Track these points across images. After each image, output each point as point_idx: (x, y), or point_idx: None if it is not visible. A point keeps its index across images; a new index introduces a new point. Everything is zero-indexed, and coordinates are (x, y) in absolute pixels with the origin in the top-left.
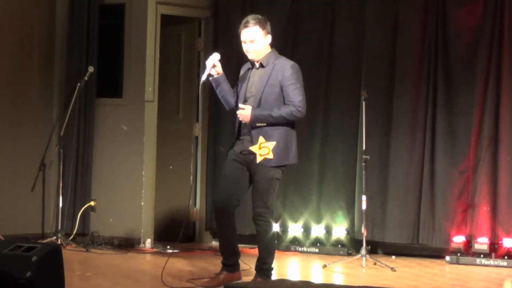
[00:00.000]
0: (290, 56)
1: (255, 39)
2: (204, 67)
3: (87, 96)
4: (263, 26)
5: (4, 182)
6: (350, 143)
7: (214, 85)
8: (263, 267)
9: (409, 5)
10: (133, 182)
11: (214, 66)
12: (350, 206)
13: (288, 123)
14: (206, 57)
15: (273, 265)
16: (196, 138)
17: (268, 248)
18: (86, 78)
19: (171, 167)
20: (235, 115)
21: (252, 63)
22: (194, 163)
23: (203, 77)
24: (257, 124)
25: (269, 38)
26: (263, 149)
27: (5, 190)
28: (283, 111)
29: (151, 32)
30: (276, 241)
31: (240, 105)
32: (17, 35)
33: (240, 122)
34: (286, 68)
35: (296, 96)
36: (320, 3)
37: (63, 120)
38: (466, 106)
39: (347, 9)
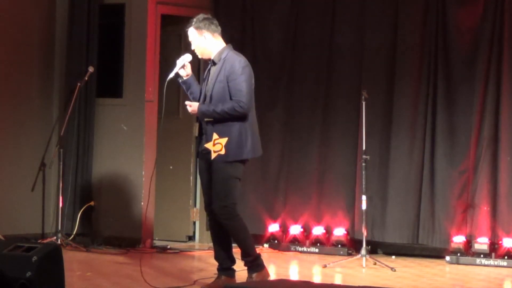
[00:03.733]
0: (291, 56)
1: (192, 40)
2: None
3: (87, 96)
4: (197, 26)
5: (4, 182)
6: (350, 143)
7: (184, 87)
8: (249, 259)
9: (409, 5)
10: (133, 182)
11: (184, 66)
12: (350, 206)
13: (239, 118)
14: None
15: (257, 252)
16: (196, 138)
17: (244, 239)
18: (86, 78)
19: (171, 167)
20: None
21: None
22: (194, 163)
23: (170, 75)
24: (206, 120)
25: (206, 36)
26: (217, 145)
27: (5, 190)
28: (226, 107)
29: (151, 32)
30: (247, 229)
31: (186, 102)
32: (17, 35)
33: (200, 122)
34: (233, 64)
35: (238, 92)
36: (320, 3)
37: (63, 120)
38: (466, 106)
39: (347, 9)
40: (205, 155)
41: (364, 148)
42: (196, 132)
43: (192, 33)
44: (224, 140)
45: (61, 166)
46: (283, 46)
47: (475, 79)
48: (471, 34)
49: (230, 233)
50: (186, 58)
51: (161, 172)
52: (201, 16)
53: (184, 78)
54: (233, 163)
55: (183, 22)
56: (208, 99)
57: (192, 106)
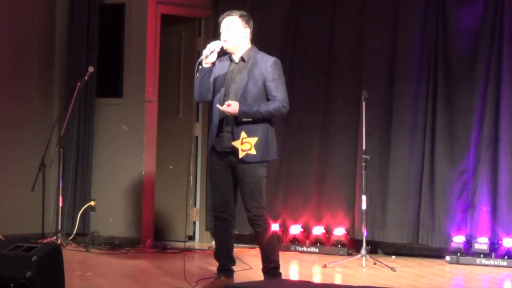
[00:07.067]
0: (291, 56)
1: (230, 26)
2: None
3: (87, 96)
4: (243, 18)
5: (4, 182)
6: (350, 143)
7: (202, 74)
8: (271, 266)
9: (409, 5)
10: (133, 182)
11: (213, 51)
12: (350, 206)
13: (269, 119)
14: None
15: (280, 262)
16: (196, 138)
17: (271, 245)
18: (86, 78)
19: (171, 167)
20: (212, 111)
21: (231, 58)
22: (194, 163)
23: (203, 56)
24: (243, 120)
25: (247, 31)
26: (245, 144)
27: (5, 190)
28: (271, 107)
29: (151, 32)
30: (277, 237)
31: (227, 102)
32: (17, 35)
33: (222, 118)
34: (269, 64)
35: (280, 93)
36: (320, 3)
37: (63, 120)
38: (466, 106)
39: (347, 9)
40: (225, 154)
41: (364, 148)
42: (196, 132)
43: (235, 22)
44: (253, 140)
45: (61, 166)
46: (283, 46)
47: (475, 79)
48: (471, 34)
49: (264, 234)
50: (218, 44)
51: (161, 172)
52: (245, 12)
53: (208, 65)
54: (262, 163)
55: (183, 22)
56: (238, 97)
57: (233, 105)
